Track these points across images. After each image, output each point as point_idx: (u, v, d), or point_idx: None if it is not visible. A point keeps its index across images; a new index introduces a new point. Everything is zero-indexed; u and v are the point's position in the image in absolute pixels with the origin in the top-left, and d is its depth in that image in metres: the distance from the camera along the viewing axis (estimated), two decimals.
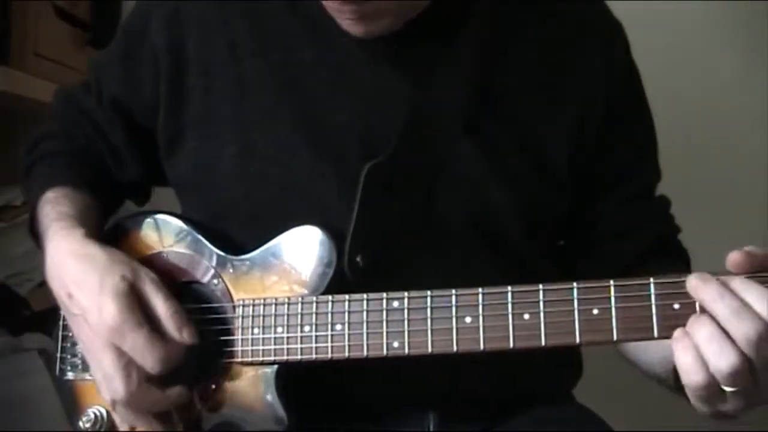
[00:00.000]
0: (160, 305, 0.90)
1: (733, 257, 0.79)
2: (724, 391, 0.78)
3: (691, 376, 0.79)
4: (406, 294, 0.88)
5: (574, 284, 0.83)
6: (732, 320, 0.77)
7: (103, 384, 0.91)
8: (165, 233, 1.01)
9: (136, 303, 0.89)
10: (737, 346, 0.76)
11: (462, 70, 0.99)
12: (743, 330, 0.76)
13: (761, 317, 0.76)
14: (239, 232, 1.00)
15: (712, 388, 0.78)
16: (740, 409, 0.80)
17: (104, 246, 0.95)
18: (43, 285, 1.57)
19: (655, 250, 1.03)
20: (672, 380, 0.88)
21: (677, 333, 0.80)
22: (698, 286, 0.79)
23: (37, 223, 1.03)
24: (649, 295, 0.81)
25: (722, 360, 0.76)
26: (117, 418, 0.96)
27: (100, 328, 0.89)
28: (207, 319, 0.95)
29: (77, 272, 0.93)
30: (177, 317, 0.90)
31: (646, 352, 0.96)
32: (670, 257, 0.91)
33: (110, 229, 1.04)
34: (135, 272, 0.92)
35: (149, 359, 0.88)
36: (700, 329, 0.78)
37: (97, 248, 0.94)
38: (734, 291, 0.78)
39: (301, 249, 0.94)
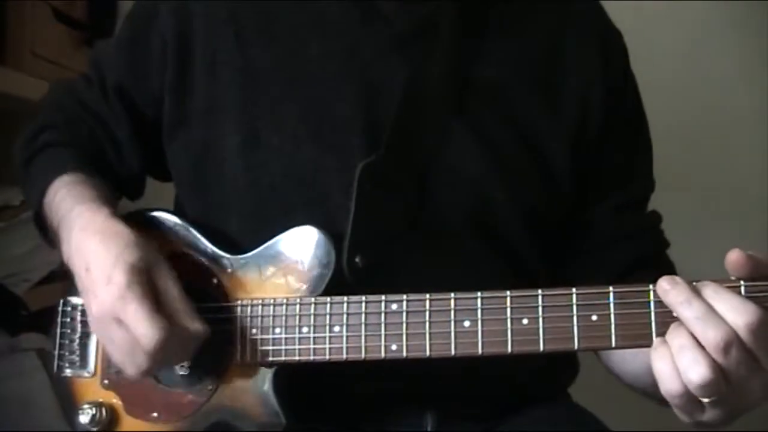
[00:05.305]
0: (174, 292, 0.88)
1: (733, 256, 0.78)
2: (701, 400, 0.78)
3: (666, 385, 0.78)
4: (404, 297, 0.88)
5: (573, 290, 0.83)
6: (699, 326, 0.76)
7: (121, 360, 0.89)
8: (163, 231, 1.01)
9: (146, 283, 0.87)
10: (709, 356, 0.75)
11: (451, 61, 1.00)
12: (710, 336, 0.75)
13: (728, 323, 0.75)
14: (238, 225, 1.00)
15: (688, 397, 0.77)
16: (721, 419, 0.79)
17: (132, 228, 0.93)
18: (40, 285, 1.59)
19: (643, 263, 1.03)
20: (659, 391, 0.86)
21: (656, 341, 0.80)
22: (667, 289, 0.79)
23: (47, 211, 1.01)
24: (648, 303, 0.81)
25: (693, 371, 0.75)
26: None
27: (108, 299, 0.86)
28: (205, 318, 0.95)
29: (100, 247, 0.90)
30: (189, 308, 0.88)
31: (634, 361, 0.95)
32: (657, 271, 0.91)
33: None
34: (156, 259, 0.90)
35: (147, 333, 0.84)
36: (675, 338, 0.78)
37: (124, 227, 0.92)
38: (704, 296, 0.77)
39: (300, 249, 0.94)
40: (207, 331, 0.89)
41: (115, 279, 0.87)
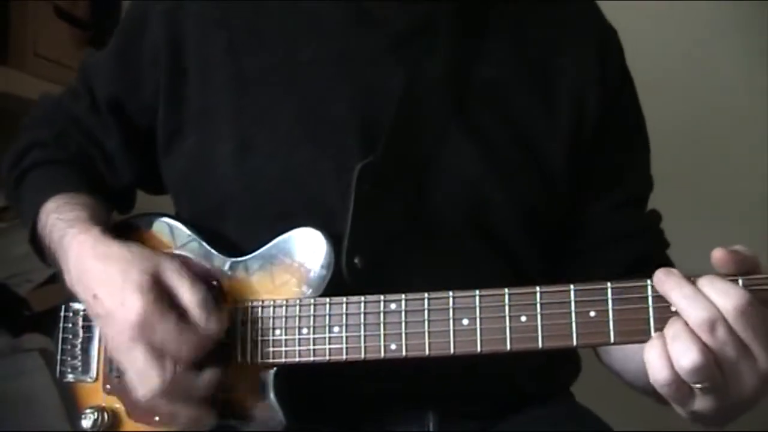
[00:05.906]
0: (186, 294, 0.89)
1: (717, 254, 0.79)
2: (693, 389, 0.78)
3: (655, 375, 0.78)
4: (403, 296, 0.88)
5: (572, 286, 0.83)
6: (684, 304, 0.77)
7: (137, 380, 0.89)
8: (163, 235, 1.01)
9: (159, 295, 0.88)
10: (700, 341, 0.76)
11: (450, 61, 1.00)
12: (695, 315, 0.76)
13: (715, 304, 0.76)
14: (235, 230, 1.00)
15: (677, 385, 0.78)
16: (715, 409, 0.79)
17: (123, 242, 0.94)
18: (43, 285, 1.59)
19: (643, 262, 1.02)
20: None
21: (654, 335, 0.80)
22: (663, 279, 0.80)
23: (40, 235, 1.02)
24: (646, 298, 0.81)
25: (684, 357, 0.76)
26: (156, 412, 0.94)
27: (125, 324, 0.87)
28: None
29: (100, 272, 0.92)
30: (202, 306, 0.89)
31: (634, 359, 0.95)
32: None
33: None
34: (157, 264, 0.91)
35: (184, 347, 0.87)
36: (669, 328, 0.79)
37: (116, 245, 0.93)
38: (695, 283, 0.78)
39: (300, 251, 0.94)
40: (221, 324, 0.90)
41: (129, 303, 0.88)
